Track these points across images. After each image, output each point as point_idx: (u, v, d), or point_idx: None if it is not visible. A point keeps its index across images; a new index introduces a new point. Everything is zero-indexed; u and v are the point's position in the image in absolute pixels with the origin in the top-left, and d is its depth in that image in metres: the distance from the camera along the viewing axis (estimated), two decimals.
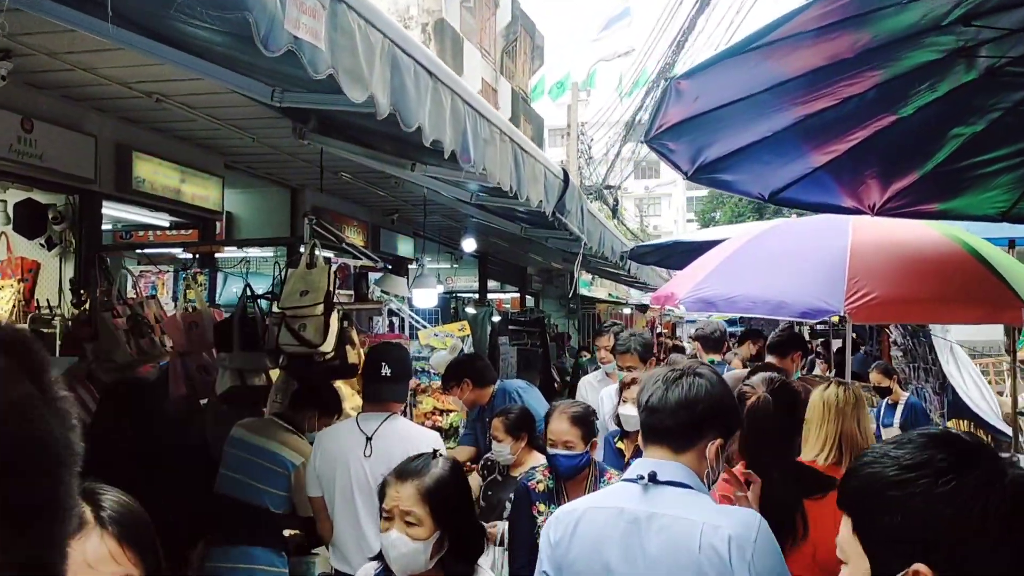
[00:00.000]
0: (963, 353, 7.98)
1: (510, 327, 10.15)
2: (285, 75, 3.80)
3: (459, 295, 14.56)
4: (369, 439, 3.45)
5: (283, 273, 4.22)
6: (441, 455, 2.27)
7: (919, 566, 1.10)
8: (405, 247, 11.71)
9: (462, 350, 5.33)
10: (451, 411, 5.33)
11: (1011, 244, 4.73)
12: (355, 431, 3.52)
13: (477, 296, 15.44)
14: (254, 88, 3.81)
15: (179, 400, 4.38)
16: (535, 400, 4.81)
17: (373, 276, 5.42)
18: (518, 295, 19.19)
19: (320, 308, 4.00)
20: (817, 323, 22.83)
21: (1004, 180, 3.29)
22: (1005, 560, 1.09)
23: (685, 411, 1.95)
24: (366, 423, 3.53)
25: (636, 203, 55.84)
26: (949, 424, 8.19)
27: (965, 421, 8.65)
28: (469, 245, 9.62)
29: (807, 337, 20.62)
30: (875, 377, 7.52)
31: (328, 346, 3.98)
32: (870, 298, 3.22)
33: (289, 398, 3.92)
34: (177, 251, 7.16)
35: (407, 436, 3.48)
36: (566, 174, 5.10)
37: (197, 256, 5.68)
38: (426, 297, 5.03)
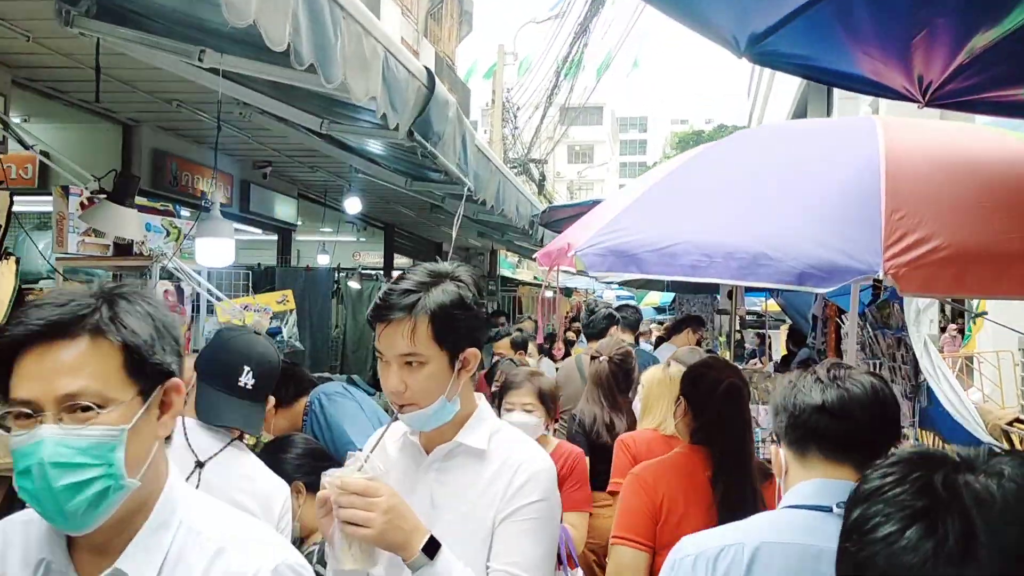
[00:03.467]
0: (935, 350, 6.59)
1: None
2: None
3: (367, 271, 12.79)
4: None
5: None
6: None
7: None
8: (284, 209, 9.89)
9: (279, 330, 3.67)
10: None
11: None
12: None
13: (383, 271, 13.75)
14: None
15: None
16: (344, 413, 3.21)
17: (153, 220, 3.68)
18: None
19: None
20: (747, 312, 21.69)
21: None
22: None
23: (881, 416, 1.57)
24: None
25: (568, 187, 54.89)
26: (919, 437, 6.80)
27: (933, 434, 7.28)
28: (353, 206, 7.92)
29: (738, 326, 19.30)
30: None
31: None
32: (930, 249, 1.69)
33: None
34: None
35: None
36: (431, 76, 3.46)
37: None
38: (214, 252, 3.33)
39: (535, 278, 25.59)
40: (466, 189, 4.32)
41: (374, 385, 8.81)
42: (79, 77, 5.91)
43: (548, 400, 3.35)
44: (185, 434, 2.29)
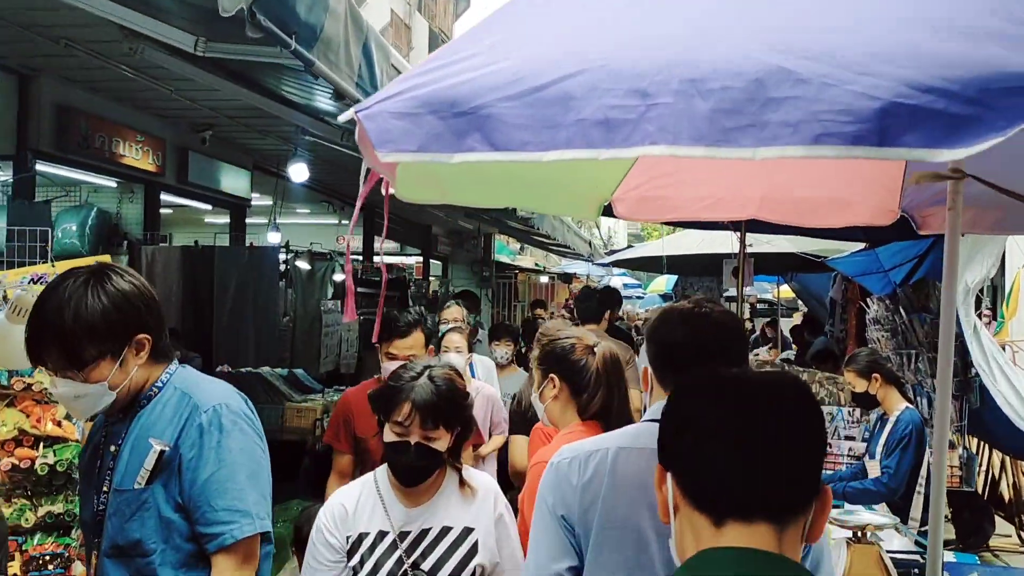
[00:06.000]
0: (988, 336, 5.40)
1: (359, 289, 7.36)
2: None
3: (320, 252, 11.62)
4: None
5: None
6: None
7: None
8: (235, 182, 8.75)
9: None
10: (64, 439, 2.55)
11: None
12: None
13: (362, 255, 12.64)
14: None
15: None
16: (245, 456, 1.99)
17: None
18: (421, 259, 16.38)
19: None
20: (757, 300, 20.39)
21: None
22: None
23: (728, 348, 1.84)
24: None
25: None
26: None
27: (980, 440, 6.04)
28: (299, 173, 6.79)
29: (747, 315, 18.09)
30: (849, 378, 4.73)
31: None
32: None
33: None
34: None
35: None
36: None
37: None
38: None
39: (535, 264, 24.43)
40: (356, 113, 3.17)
41: (324, 381, 7.74)
42: None
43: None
44: None
